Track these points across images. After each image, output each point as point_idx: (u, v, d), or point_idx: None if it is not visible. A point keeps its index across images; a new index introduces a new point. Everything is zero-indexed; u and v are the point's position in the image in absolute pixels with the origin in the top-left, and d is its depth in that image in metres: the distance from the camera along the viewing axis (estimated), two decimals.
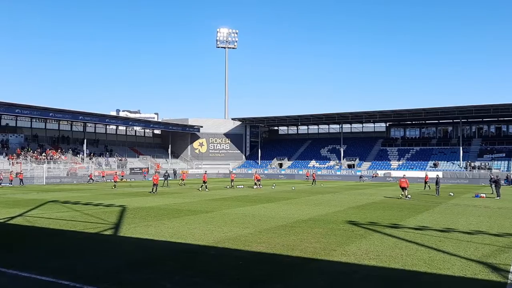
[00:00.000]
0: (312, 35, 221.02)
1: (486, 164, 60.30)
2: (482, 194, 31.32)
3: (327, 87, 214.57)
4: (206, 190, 36.47)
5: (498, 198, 29.30)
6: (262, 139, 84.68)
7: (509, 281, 8.40)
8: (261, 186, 41.46)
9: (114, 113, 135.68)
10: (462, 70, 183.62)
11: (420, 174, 60.22)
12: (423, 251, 11.16)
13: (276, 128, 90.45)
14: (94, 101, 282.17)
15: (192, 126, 79.08)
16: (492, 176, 35.14)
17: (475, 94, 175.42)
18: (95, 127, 72.41)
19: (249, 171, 72.01)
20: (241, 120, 78.75)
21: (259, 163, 78.72)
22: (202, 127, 79.90)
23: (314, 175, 50.70)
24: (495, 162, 60.43)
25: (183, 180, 47.10)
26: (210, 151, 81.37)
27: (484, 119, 69.32)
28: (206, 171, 42.24)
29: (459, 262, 9.93)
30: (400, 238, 13.12)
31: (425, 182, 41.04)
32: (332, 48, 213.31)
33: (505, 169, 57.83)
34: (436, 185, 33.27)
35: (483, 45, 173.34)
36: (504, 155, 61.42)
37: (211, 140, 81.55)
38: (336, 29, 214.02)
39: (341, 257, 10.43)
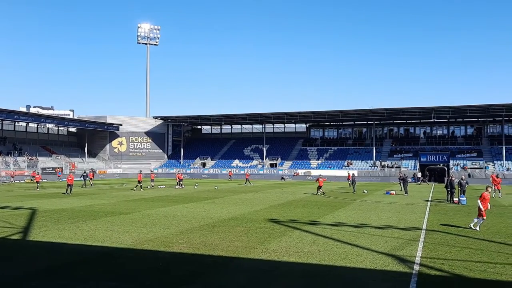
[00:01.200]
0: (237, 33, 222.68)
1: (396, 163, 64.82)
2: (392, 191, 33.60)
3: (251, 87, 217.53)
4: (141, 190, 35.51)
5: (406, 194, 31.61)
6: (185, 138, 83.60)
7: (414, 271, 9.07)
8: (183, 186, 40.91)
9: (24, 109, 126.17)
10: (378, 73, 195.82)
11: (338, 172, 63.36)
12: (339, 246, 11.69)
13: (199, 127, 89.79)
14: (1, 96, 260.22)
15: (111, 124, 75.86)
16: (401, 175, 37.82)
17: (388, 97, 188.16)
18: (2, 124, 66.81)
19: (172, 171, 70.73)
20: (163, 118, 77.10)
21: (182, 162, 77.66)
22: (121, 125, 76.98)
23: (247, 174, 50.87)
24: (404, 161, 65.14)
25: (91, 179, 44.77)
26: (130, 150, 78.67)
27: (394, 121, 74.37)
28: (141, 171, 40.60)
29: (371, 256, 10.55)
30: (318, 234, 13.63)
31: (349, 180, 43.11)
32: (255, 47, 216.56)
33: (412, 168, 62.55)
34: (352, 183, 35.41)
35: (395, 48, 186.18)
36: (411, 154, 66.43)
37: (132, 139, 78.87)
38: (259, 29, 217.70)
39: (262, 255, 10.59)
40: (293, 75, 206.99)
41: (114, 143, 77.92)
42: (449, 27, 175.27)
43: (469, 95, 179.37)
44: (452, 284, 8.33)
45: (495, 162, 60.76)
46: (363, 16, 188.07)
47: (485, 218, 14.83)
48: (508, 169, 57.77)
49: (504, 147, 60.82)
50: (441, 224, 16.14)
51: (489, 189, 15.53)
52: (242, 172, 66.45)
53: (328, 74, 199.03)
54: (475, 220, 14.95)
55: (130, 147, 78.64)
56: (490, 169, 58.09)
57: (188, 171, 71.59)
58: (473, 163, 60.94)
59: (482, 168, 58.67)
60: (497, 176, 34.68)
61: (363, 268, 9.36)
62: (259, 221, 16.73)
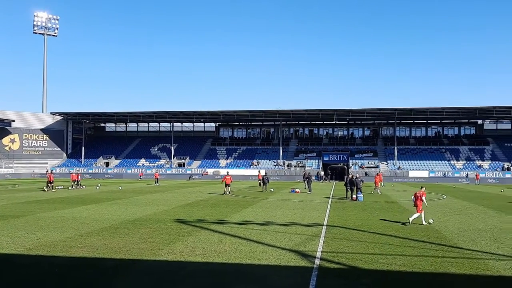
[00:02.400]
0: (146, 30, 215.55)
1: (301, 162, 67.67)
2: (297, 189, 34.97)
3: (159, 85, 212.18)
4: (53, 190, 33.39)
5: (310, 192, 33.10)
6: (86, 136, 79.17)
7: (315, 265, 9.51)
8: (83, 186, 38.69)
9: None
10: (288, 75, 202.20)
11: (247, 172, 64.41)
12: (245, 244, 11.85)
13: (102, 124, 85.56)
14: None
15: (1, 120, 69.23)
16: (306, 173, 39.53)
17: (295, 98, 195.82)
18: None
19: (71, 170, 66.51)
20: (62, 114, 72.22)
21: (83, 162, 73.41)
22: (13, 121, 70.63)
23: (156, 174, 49.25)
24: (308, 161, 68.26)
25: None
26: (24, 148, 72.48)
27: (300, 122, 77.58)
28: (52, 170, 37.49)
29: (276, 252, 10.85)
30: (225, 233, 13.70)
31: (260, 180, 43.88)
32: (165, 45, 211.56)
33: (316, 167, 65.77)
34: (262, 182, 36.44)
35: (295, 51, 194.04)
36: (315, 154, 69.86)
37: (25, 136, 72.70)
38: (167, 28, 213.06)
39: (167, 256, 10.37)
40: (203, 73, 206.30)
41: (5, 140, 71.25)
42: (337, 32, 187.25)
43: (365, 99, 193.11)
44: (348, 275, 8.87)
45: (388, 161, 66.14)
46: (266, 14, 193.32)
47: (420, 213, 15.92)
48: (399, 168, 63.22)
49: (396, 147, 66.48)
50: (340, 220, 17.13)
51: (423, 188, 16.98)
52: (149, 171, 64.78)
53: (240, 73, 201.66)
54: (415, 215, 15.96)
55: (23, 144, 72.47)
56: (382, 168, 63.15)
57: (90, 171, 68.01)
58: (369, 162, 65.73)
59: (377, 167, 63.51)
60: (377, 174, 37.59)
61: (268, 265, 9.59)
62: (165, 221, 16.37)
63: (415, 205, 16.18)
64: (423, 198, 16.20)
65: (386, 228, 14.96)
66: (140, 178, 60.07)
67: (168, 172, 67.40)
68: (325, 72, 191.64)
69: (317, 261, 9.90)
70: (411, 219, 15.98)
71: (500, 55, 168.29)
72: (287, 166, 66.59)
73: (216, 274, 8.92)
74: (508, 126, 72.55)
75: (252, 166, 67.00)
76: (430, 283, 8.40)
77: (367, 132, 77.81)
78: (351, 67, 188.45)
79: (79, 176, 39.55)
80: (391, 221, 16.98)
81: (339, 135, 78.01)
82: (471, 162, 64.31)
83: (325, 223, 16.23)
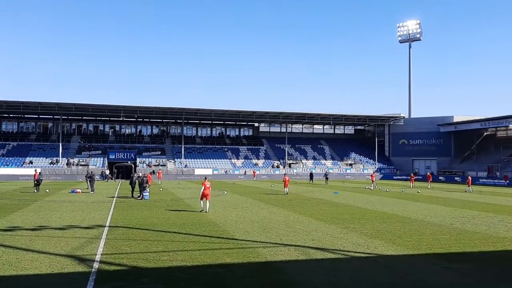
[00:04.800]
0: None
1: (84, 160, 63.29)
2: (78, 190, 32.52)
3: None
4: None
5: (92, 192, 31.19)
6: None
7: (93, 269, 8.92)
8: None
9: None
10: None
11: (18, 171, 56.65)
12: (11, 253, 10.33)
13: None
14: None
15: None
16: (88, 172, 37.13)
17: (77, 93, 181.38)
18: None
19: None
20: None
21: None
22: None
23: None
24: (92, 159, 64.34)
25: None
26: None
27: (83, 117, 72.53)
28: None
29: (48, 259, 9.77)
30: None
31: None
32: None
33: (101, 165, 62.52)
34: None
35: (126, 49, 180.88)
36: (100, 152, 66.32)
37: None
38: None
39: None
40: None
41: None
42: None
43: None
44: (128, 276, 8.60)
45: (176, 159, 67.81)
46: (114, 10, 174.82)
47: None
48: (185, 166, 65.49)
49: (183, 146, 68.66)
50: (124, 220, 16.63)
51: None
52: None
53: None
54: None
55: None
56: (170, 166, 64.43)
57: None
58: (157, 161, 66.09)
59: (165, 165, 64.34)
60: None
61: (37, 274, 8.54)
62: None
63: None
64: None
65: (170, 226, 15.20)
66: None
67: None
68: (116, 68, 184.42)
69: (96, 265, 9.31)
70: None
71: (269, 63, 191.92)
72: (67, 164, 61.39)
73: None
74: (278, 129, 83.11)
75: (24, 165, 59.30)
76: (209, 274, 8.84)
77: (155, 130, 78.10)
78: (135, 66, 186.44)
79: None
80: (177, 218, 17.34)
81: (127, 133, 76.15)
82: (249, 161, 71.34)
83: (107, 224, 15.48)
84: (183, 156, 68.02)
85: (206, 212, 18.91)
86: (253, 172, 64.10)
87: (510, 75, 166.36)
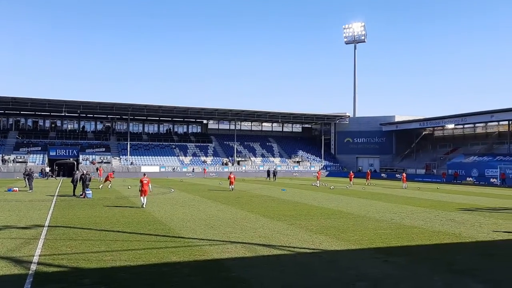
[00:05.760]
0: None
1: (22, 157, 60.03)
2: (15, 188, 30.80)
3: None
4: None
5: (31, 191, 29.67)
6: None
7: (30, 271, 8.50)
8: None
9: None
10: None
11: None
12: None
13: None
14: None
15: None
16: (26, 170, 35.25)
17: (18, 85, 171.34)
18: None
19: None
20: None
21: None
22: None
23: None
24: (32, 156, 61.17)
25: None
26: None
27: (22, 112, 68.78)
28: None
29: None
30: None
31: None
32: None
33: (41, 162, 59.61)
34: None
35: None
36: (40, 148, 63.17)
37: None
38: None
39: None
40: None
41: None
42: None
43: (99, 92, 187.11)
44: (68, 278, 8.26)
45: (121, 156, 65.96)
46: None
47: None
48: (132, 163, 63.87)
49: (129, 143, 66.90)
50: (65, 219, 15.97)
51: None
52: None
53: None
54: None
55: None
56: (115, 163, 62.62)
57: None
58: (101, 158, 63.95)
59: (109, 162, 62.40)
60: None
61: None
62: None
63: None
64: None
65: (114, 225, 14.78)
66: None
67: None
68: (60, 62, 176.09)
69: (34, 267, 8.88)
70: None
71: (219, 61, 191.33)
72: (3, 161, 57.96)
73: None
74: (227, 126, 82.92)
75: None
76: (153, 273, 8.68)
77: (100, 127, 75.52)
78: (79, 60, 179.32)
79: None
80: (118, 216, 16.88)
81: (69, 128, 73.07)
82: (197, 158, 70.73)
83: (46, 224, 14.79)
84: (129, 153, 66.29)
85: (143, 207, 19.70)
86: (204, 169, 63.87)
87: (449, 77, 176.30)
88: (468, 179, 54.13)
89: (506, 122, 59.78)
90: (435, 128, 74.42)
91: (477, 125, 68.25)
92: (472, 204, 24.15)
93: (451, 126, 67.20)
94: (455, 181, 53.67)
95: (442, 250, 11.42)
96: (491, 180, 50.96)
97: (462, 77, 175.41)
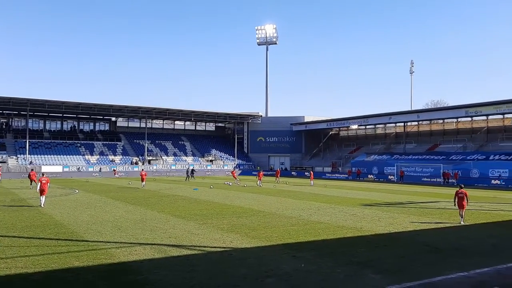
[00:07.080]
0: None
1: None
2: None
3: None
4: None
5: None
6: None
7: None
8: None
9: None
10: None
11: None
12: None
13: None
14: None
15: None
16: None
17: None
18: None
19: None
20: None
21: None
22: None
23: None
24: None
25: None
26: None
27: None
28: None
29: None
30: None
31: None
32: None
33: None
34: None
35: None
36: None
37: None
38: None
39: None
40: None
41: None
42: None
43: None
44: None
45: (19, 155, 60.77)
46: None
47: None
48: (31, 163, 59.11)
49: (28, 141, 61.80)
50: None
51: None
52: None
53: None
54: None
55: None
56: (11, 163, 57.55)
57: None
58: None
59: (5, 162, 57.17)
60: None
61: None
62: None
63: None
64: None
65: (9, 229, 13.57)
66: None
67: None
68: None
69: None
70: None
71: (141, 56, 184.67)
72: None
73: None
74: (137, 124, 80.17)
75: None
76: (54, 280, 8.11)
77: None
78: None
79: None
80: (15, 220, 15.53)
81: None
82: (105, 157, 67.46)
83: None
84: (27, 152, 61.22)
85: (42, 206, 19.54)
86: (114, 170, 61.18)
87: (356, 79, 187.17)
88: (369, 176, 58.02)
89: (402, 124, 65.10)
90: (341, 128, 78.68)
91: (377, 126, 73.44)
92: (372, 200, 25.94)
93: (355, 126, 71.63)
94: (358, 178, 57.26)
95: (345, 244, 12.11)
96: (389, 177, 55.15)
97: (366, 77, 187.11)
